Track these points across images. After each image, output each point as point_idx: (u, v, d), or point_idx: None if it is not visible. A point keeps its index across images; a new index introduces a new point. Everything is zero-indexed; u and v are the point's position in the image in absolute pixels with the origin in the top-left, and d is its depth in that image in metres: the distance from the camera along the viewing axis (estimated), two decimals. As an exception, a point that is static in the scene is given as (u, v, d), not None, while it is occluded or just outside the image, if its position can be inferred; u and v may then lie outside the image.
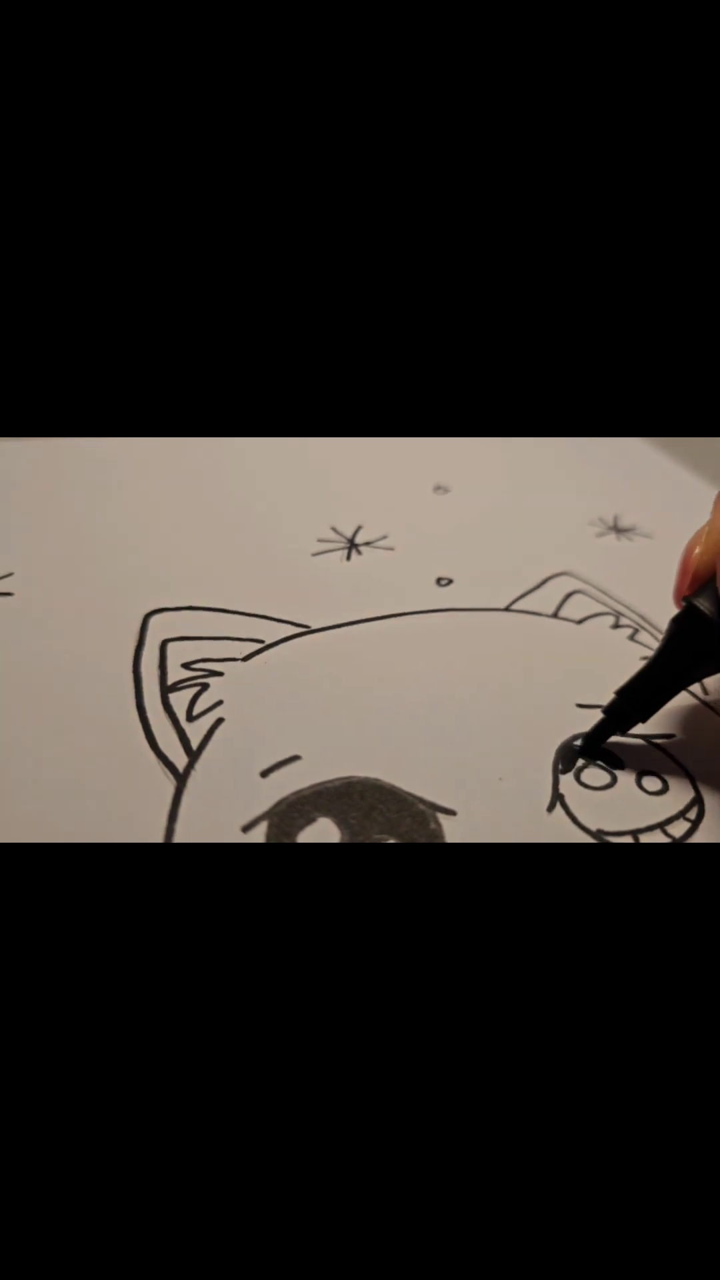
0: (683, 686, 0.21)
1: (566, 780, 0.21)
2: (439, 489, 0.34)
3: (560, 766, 0.21)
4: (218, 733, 0.21)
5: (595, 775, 0.21)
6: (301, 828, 0.18)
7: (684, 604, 0.21)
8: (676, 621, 0.21)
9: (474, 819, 0.20)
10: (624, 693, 0.21)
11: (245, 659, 0.23)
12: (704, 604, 0.21)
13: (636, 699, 0.21)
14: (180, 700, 0.22)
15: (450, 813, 0.20)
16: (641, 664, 0.26)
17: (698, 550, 0.21)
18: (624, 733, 0.22)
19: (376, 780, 0.20)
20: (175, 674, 0.22)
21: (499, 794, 0.20)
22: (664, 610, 0.29)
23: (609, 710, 0.21)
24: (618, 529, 0.33)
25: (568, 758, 0.21)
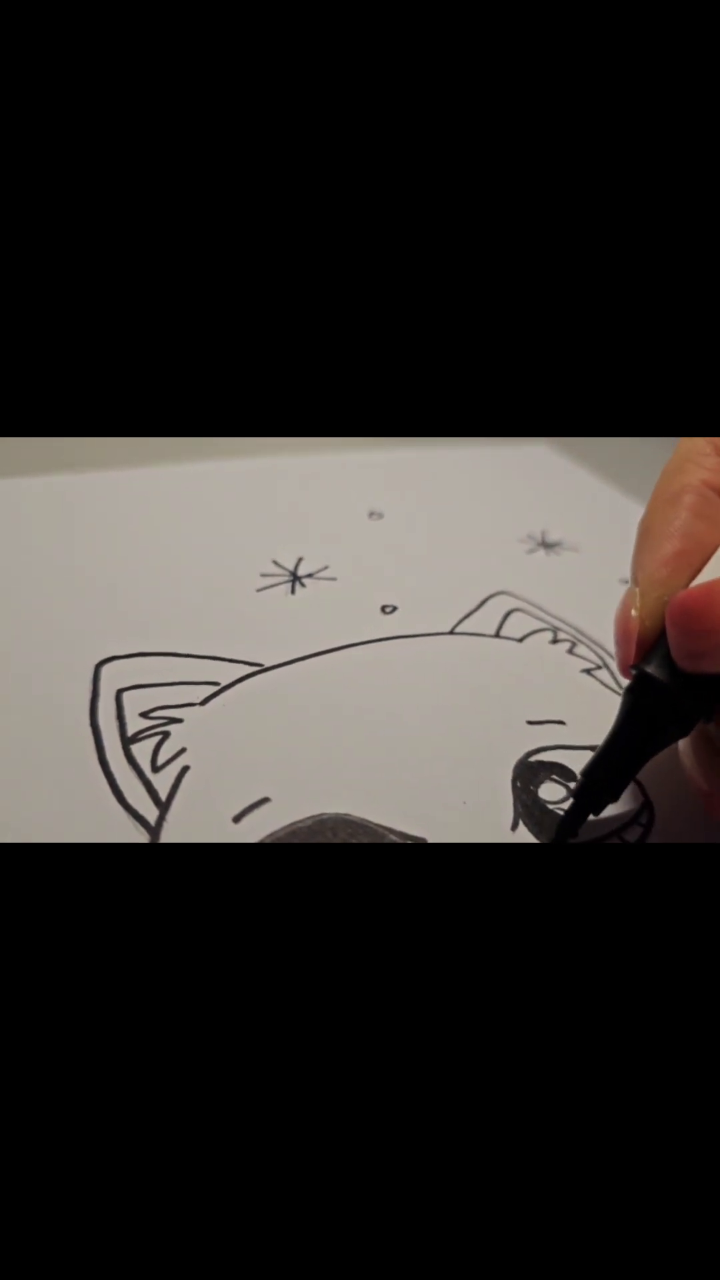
0: (649, 757, 0.20)
1: (526, 797, 0.22)
2: (373, 515, 0.35)
3: (519, 784, 0.22)
4: (185, 781, 0.21)
5: (552, 790, 0.22)
6: (279, 870, 0.19)
7: (635, 673, 0.20)
8: (631, 693, 0.20)
9: (445, 841, 0.20)
10: (590, 773, 0.20)
11: (203, 703, 0.23)
12: (655, 670, 0.19)
13: (605, 779, 0.20)
14: (143, 751, 0.21)
15: (420, 840, 0.20)
16: (584, 677, 0.27)
17: (634, 612, 0.20)
18: (597, 813, 0.21)
19: (346, 815, 0.20)
20: (134, 724, 0.22)
21: (464, 817, 0.21)
22: (597, 622, 0.31)
23: (579, 794, 0.20)
24: (546, 544, 0.35)
25: (525, 775, 0.22)
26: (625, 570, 0.34)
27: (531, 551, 0.34)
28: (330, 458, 0.39)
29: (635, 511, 0.40)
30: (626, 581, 0.33)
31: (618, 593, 0.32)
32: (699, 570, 0.21)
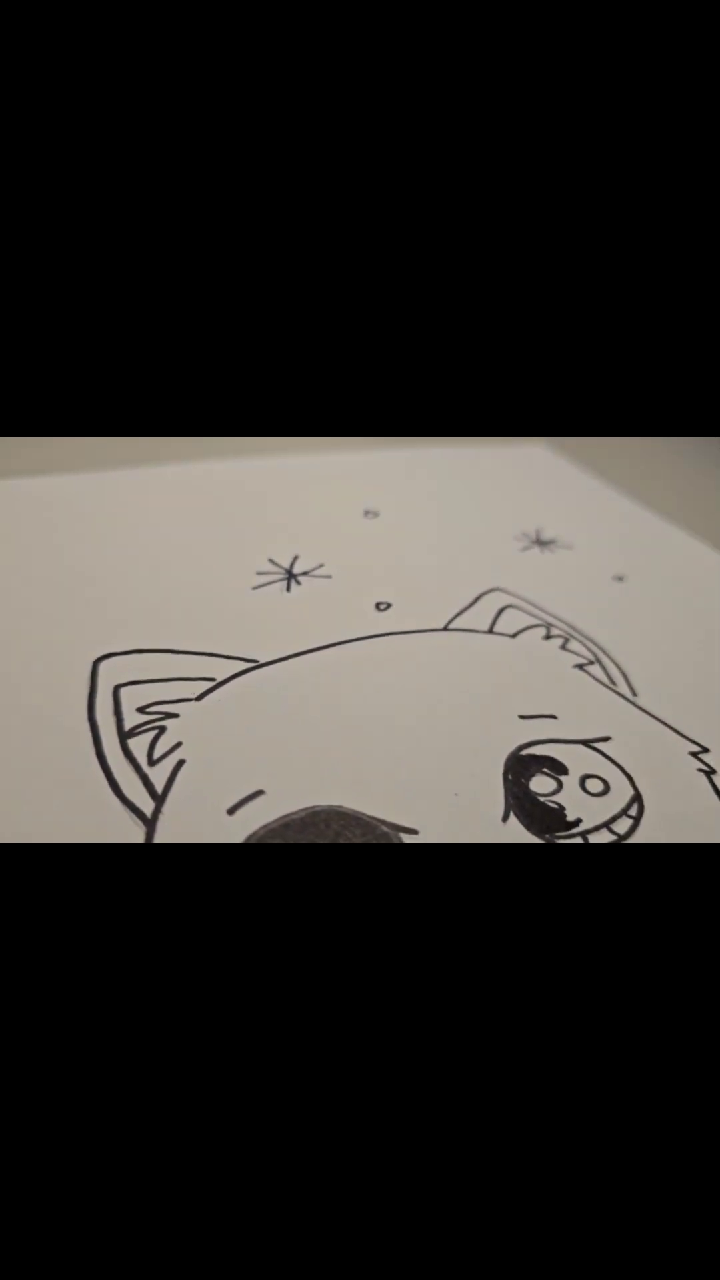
0: None
1: (517, 790, 0.22)
2: (369, 513, 0.35)
3: (510, 777, 0.22)
4: (181, 774, 0.21)
5: (542, 782, 0.22)
6: (273, 861, 0.19)
7: None
8: None
9: (434, 835, 0.21)
10: None
11: (199, 698, 0.24)
12: None
13: None
14: (140, 745, 0.22)
15: (412, 831, 0.21)
16: (576, 672, 0.27)
17: None
18: None
19: (339, 807, 0.21)
20: (131, 719, 0.23)
21: (456, 809, 0.21)
22: (591, 618, 0.31)
23: None
24: (540, 542, 0.35)
25: (516, 769, 0.23)
26: (619, 567, 0.34)
27: (525, 549, 0.34)
28: (326, 458, 0.40)
29: (630, 510, 0.40)
30: (620, 578, 0.34)
31: (611, 590, 0.33)
32: None
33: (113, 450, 0.37)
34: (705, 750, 0.24)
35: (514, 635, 0.29)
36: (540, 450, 0.45)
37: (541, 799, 0.22)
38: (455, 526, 0.36)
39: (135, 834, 0.20)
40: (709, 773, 0.23)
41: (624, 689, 0.27)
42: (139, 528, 0.32)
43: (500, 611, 0.30)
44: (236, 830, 0.20)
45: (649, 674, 0.28)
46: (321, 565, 0.31)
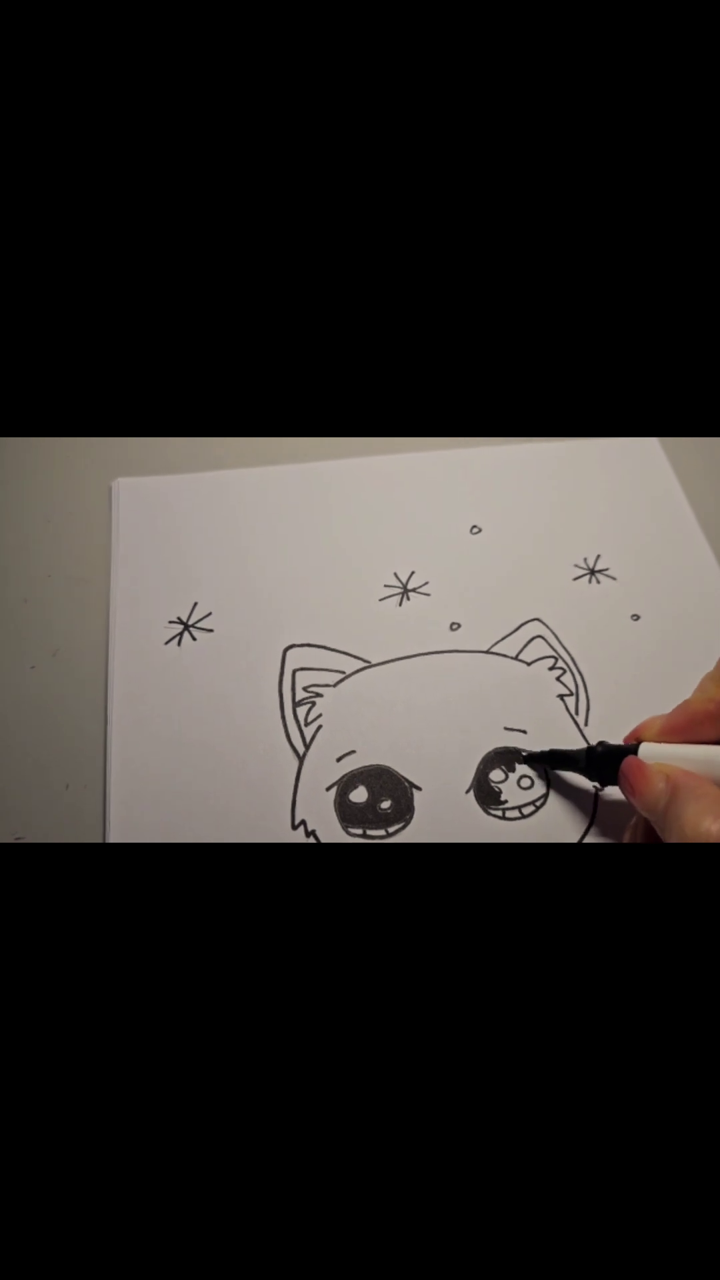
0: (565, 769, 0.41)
1: (480, 774, 0.42)
2: (474, 529, 0.50)
3: (481, 766, 0.42)
4: (319, 734, 0.43)
5: (497, 773, 0.42)
6: (350, 791, 0.41)
7: (599, 746, 0.39)
8: (590, 749, 0.39)
9: (431, 792, 0.41)
10: (544, 756, 0.41)
11: (335, 685, 0.44)
12: (601, 749, 0.39)
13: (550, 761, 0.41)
14: (301, 711, 0.44)
15: (418, 788, 0.41)
16: (556, 701, 0.44)
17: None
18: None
19: (389, 767, 0.42)
20: (299, 694, 0.44)
21: (448, 778, 0.42)
22: (591, 654, 0.46)
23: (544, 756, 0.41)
24: (592, 571, 0.49)
25: (486, 760, 0.42)
26: (641, 605, 0.47)
27: (577, 579, 0.48)
28: (461, 453, 0.53)
29: (689, 535, 0.51)
30: (637, 617, 0.47)
31: (624, 629, 0.47)
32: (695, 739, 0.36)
33: (311, 447, 0.53)
34: (602, 785, 0.42)
35: (530, 664, 0.45)
36: (652, 448, 0.54)
37: (492, 783, 0.41)
38: (533, 549, 0.50)
39: (293, 763, 0.42)
40: (597, 790, 0.41)
41: (582, 719, 0.44)
42: (320, 525, 0.50)
43: (530, 641, 0.46)
44: (338, 770, 0.42)
45: (606, 711, 0.44)
46: (427, 583, 0.48)
